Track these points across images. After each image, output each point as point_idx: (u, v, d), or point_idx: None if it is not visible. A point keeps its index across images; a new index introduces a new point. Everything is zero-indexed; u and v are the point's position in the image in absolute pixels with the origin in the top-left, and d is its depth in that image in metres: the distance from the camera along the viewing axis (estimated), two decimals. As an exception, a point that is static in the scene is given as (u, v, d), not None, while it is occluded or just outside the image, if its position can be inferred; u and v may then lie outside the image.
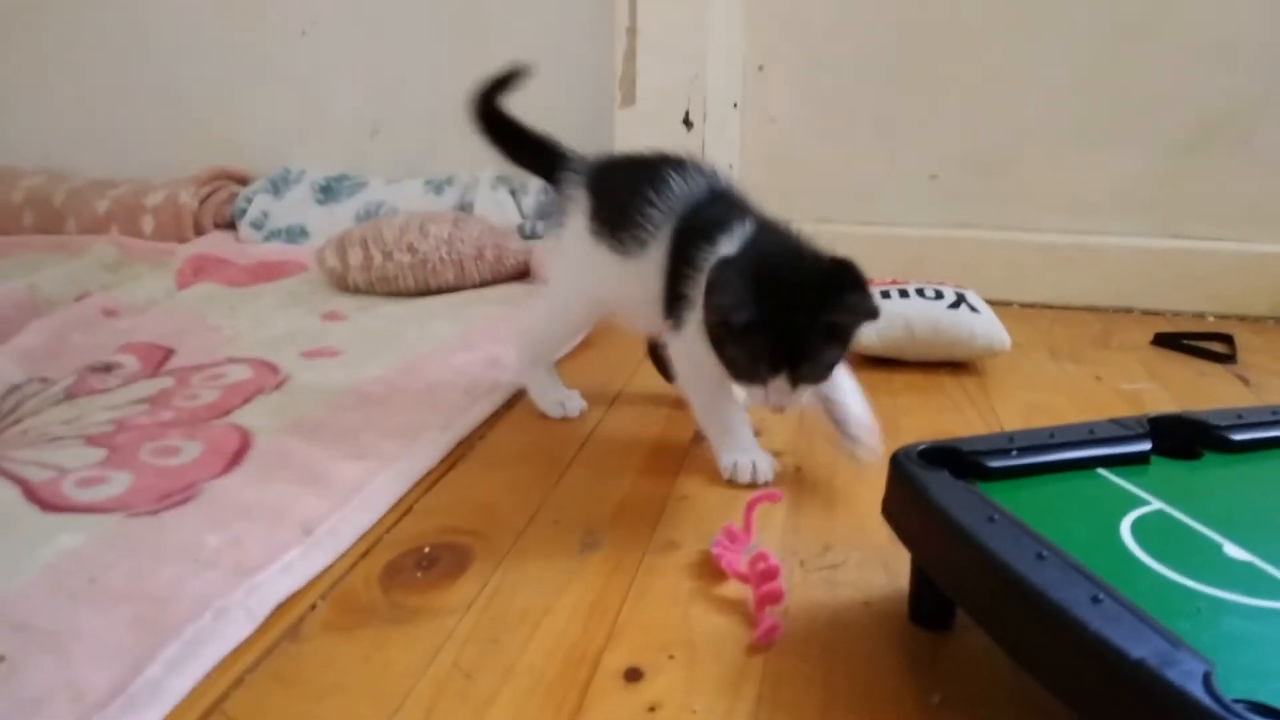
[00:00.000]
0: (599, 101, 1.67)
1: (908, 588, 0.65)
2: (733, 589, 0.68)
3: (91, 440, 0.91)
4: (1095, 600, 0.46)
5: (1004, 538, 0.52)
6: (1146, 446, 0.66)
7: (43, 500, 0.79)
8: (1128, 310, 1.49)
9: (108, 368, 1.12)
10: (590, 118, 1.75)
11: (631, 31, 1.46)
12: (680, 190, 0.85)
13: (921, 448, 0.63)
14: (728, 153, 1.53)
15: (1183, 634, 0.43)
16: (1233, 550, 0.55)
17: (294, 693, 0.57)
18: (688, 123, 1.48)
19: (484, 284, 1.51)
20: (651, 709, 0.56)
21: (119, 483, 0.82)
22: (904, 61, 1.51)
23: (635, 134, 1.49)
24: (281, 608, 0.65)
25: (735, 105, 1.53)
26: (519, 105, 1.84)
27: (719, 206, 0.83)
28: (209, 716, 0.55)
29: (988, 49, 1.48)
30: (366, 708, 0.56)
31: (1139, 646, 0.42)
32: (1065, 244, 1.49)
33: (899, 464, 0.62)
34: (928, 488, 0.58)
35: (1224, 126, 1.45)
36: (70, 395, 1.04)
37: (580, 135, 1.75)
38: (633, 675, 0.59)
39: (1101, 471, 0.64)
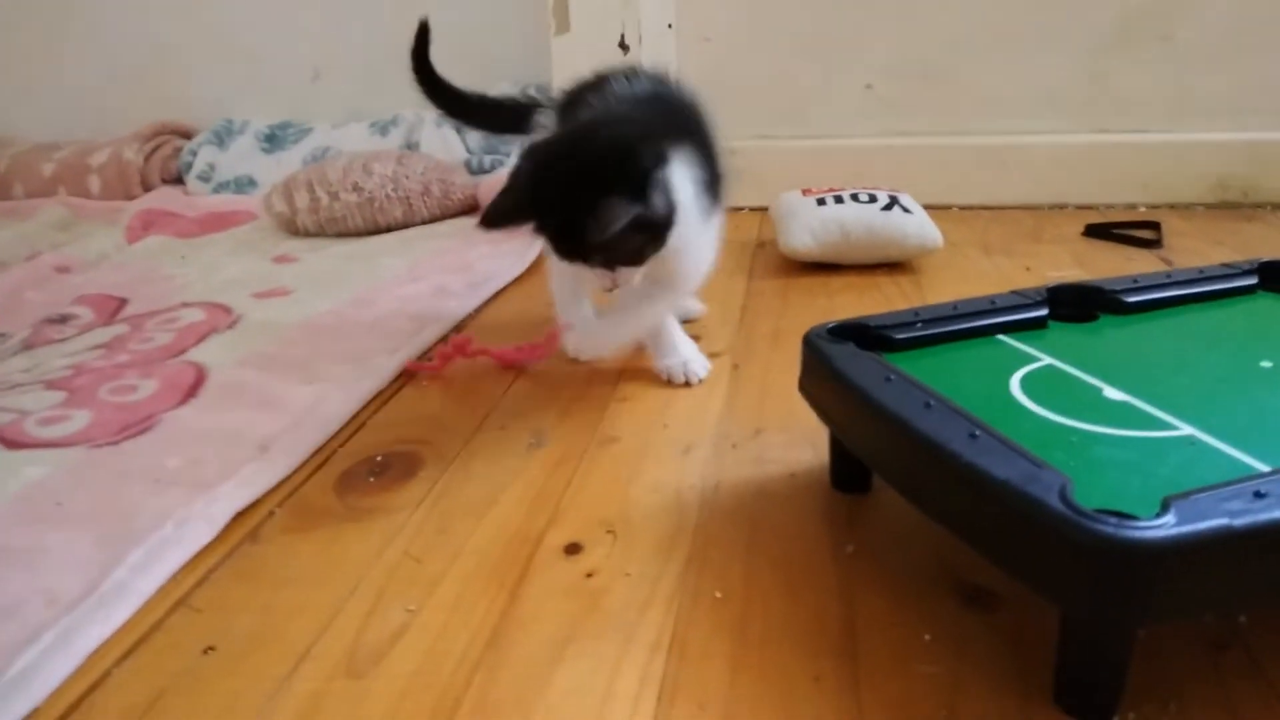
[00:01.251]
0: (535, 31, 1.68)
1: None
2: (669, 474, 0.73)
3: (51, 384, 0.94)
4: (972, 436, 0.50)
5: (896, 393, 0.56)
6: (1044, 312, 0.71)
7: (6, 440, 0.82)
8: (1062, 207, 1.54)
9: (63, 319, 1.14)
10: (527, 48, 1.76)
11: (562, -44, 1.45)
12: (617, 93, 0.83)
13: (830, 325, 0.67)
14: (665, 74, 1.54)
15: (1057, 463, 0.47)
16: (1111, 393, 0.60)
17: (255, 585, 0.61)
18: (624, 46, 1.49)
19: (432, 220, 1.52)
20: (589, 575, 0.60)
21: (79, 420, 0.85)
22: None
23: (572, 61, 1.49)
24: (240, 516, 0.69)
25: (670, 26, 1.54)
26: (456, 43, 1.86)
27: (638, 106, 0.83)
28: (176, 609, 0.59)
29: (916, -44, 1.49)
30: (323, 593, 0.60)
31: (1005, 470, 0.47)
32: (999, 145, 1.53)
33: (810, 342, 0.66)
34: (832, 358, 0.62)
35: (1146, 22, 1.48)
36: (27, 346, 1.06)
37: (518, 66, 1.78)
38: (572, 549, 0.63)
39: (1001, 337, 0.69)
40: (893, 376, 0.58)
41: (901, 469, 0.56)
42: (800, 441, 0.76)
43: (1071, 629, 0.46)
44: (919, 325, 0.68)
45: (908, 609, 0.55)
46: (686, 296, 0.96)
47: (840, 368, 0.61)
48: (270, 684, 0.52)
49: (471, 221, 1.51)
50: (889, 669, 0.51)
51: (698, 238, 0.81)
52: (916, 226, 1.19)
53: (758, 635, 0.54)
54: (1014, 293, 0.72)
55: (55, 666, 0.53)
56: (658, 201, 0.73)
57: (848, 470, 0.68)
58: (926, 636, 0.53)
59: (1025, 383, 0.61)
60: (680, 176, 0.76)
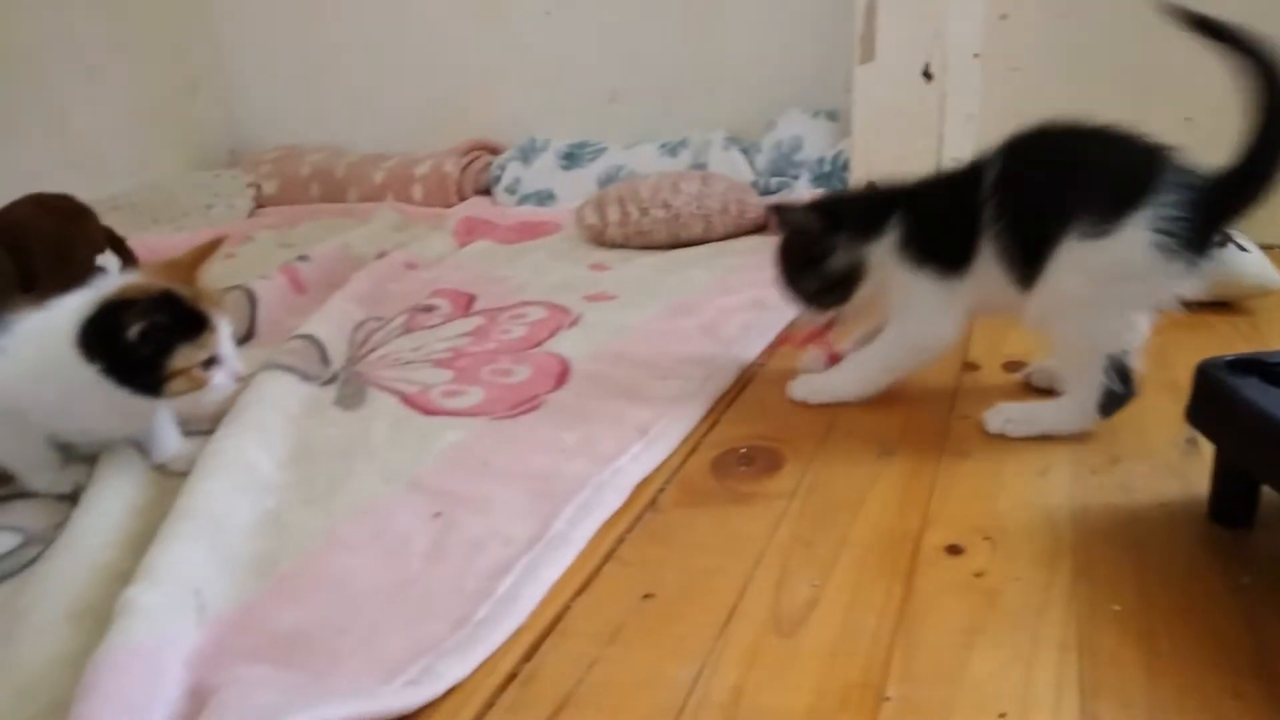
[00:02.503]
0: (834, 59, 1.74)
1: (1206, 491, 0.70)
2: (1032, 492, 0.76)
3: (438, 363, 1.09)
4: None
5: None
6: None
7: (420, 406, 0.97)
8: None
9: (429, 309, 1.31)
10: (826, 76, 1.82)
11: (873, -11, 1.51)
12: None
13: (1228, 359, 0.67)
14: (968, 104, 1.56)
15: None
16: None
17: (668, 547, 0.70)
18: (927, 75, 1.52)
19: (727, 237, 1.61)
20: (977, 575, 0.65)
21: (474, 395, 0.99)
22: (1150, 6, 1.48)
23: (875, 89, 1.55)
24: (637, 488, 0.79)
25: (976, 56, 1.55)
26: (757, 68, 1.94)
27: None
28: (608, 561, 0.69)
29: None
30: (731, 560, 0.68)
31: None
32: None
33: (1207, 374, 0.67)
34: (1240, 390, 0.63)
35: None
36: (407, 330, 1.23)
37: (810, 93, 1.84)
38: (954, 550, 0.68)
39: None
40: (1314, 413, 0.59)
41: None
42: (1164, 473, 0.77)
43: None
44: (1320, 361, 0.67)
45: (1325, 644, 0.56)
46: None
47: (1252, 399, 0.62)
48: (710, 631, 0.60)
49: (763, 241, 1.59)
50: (1318, 698, 0.52)
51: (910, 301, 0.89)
52: (1256, 266, 1.14)
53: (1166, 648, 0.56)
54: None
55: (529, 593, 0.64)
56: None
57: (1232, 503, 0.68)
58: (1352, 673, 0.53)
59: None
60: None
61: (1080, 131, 0.84)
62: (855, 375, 0.94)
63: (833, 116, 1.81)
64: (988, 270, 0.85)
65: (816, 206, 0.94)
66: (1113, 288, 0.79)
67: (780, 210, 0.97)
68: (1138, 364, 0.84)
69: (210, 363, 0.80)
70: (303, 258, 1.46)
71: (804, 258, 0.92)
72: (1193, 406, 0.68)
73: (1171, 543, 0.67)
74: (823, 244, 0.90)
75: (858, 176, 1.62)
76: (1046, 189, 0.81)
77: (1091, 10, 1.52)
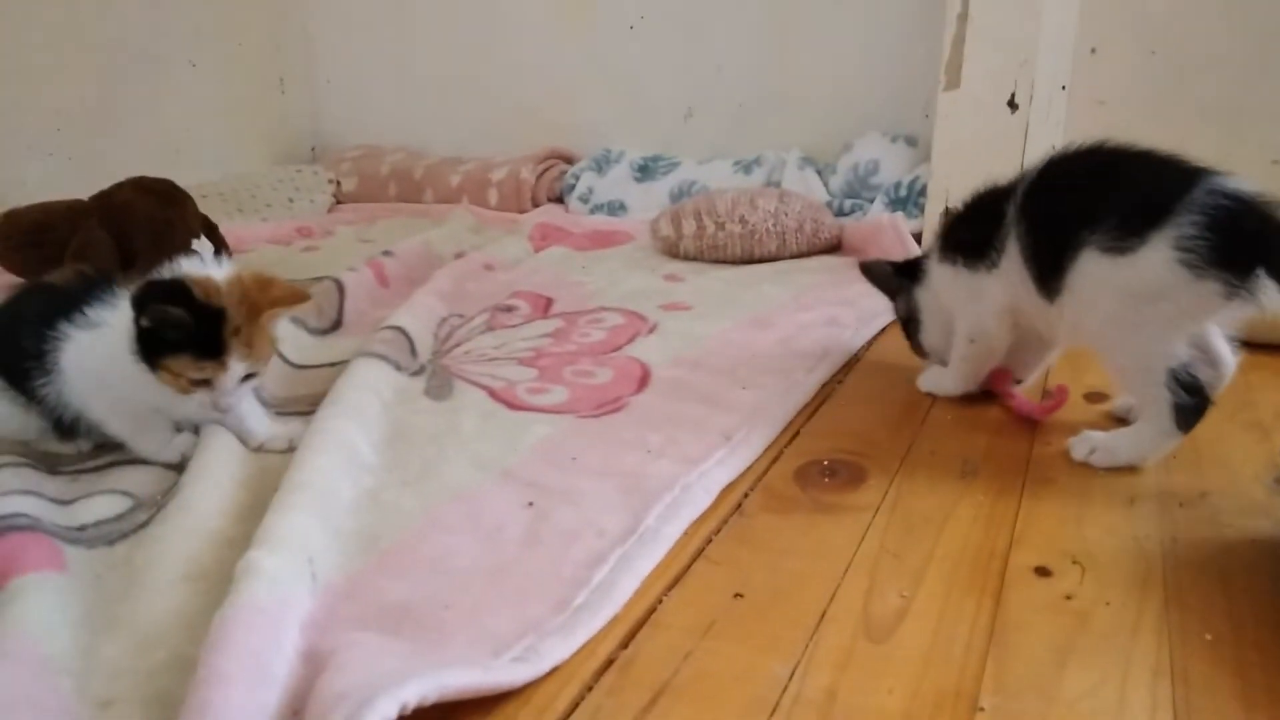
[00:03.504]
0: (914, 84, 1.75)
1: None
2: (1120, 521, 0.76)
3: (522, 362, 1.12)
4: None
5: None
6: None
7: (507, 401, 1.00)
8: None
9: (509, 309, 1.35)
10: (906, 100, 1.83)
11: (963, 18, 1.52)
12: None
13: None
14: (1052, 135, 1.55)
15: None
16: None
17: (756, 550, 0.72)
18: (1013, 105, 1.52)
19: (800, 255, 1.63)
20: (1067, 597, 0.65)
21: (558, 394, 1.02)
22: (1244, 47, 1.47)
23: (958, 116, 1.56)
24: (723, 492, 0.80)
25: (1063, 88, 1.55)
26: (835, 90, 1.96)
27: None
28: (697, 559, 0.71)
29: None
30: (821, 566, 0.69)
31: None
32: None
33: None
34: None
35: None
36: (490, 328, 1.26)
37: (887, 118, 1.85)
38: (1042, 572, 0.69)
39: None
40: None
41: None
42: (1253, 510, 0.77)
43: None
44: None
45: None
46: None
47: None
48: (802, 632, 0.61)
49: (838, 260, 1.60)
50: None
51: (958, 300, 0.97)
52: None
53: (1260, 679, 0.57)
54: None
55: (624, 584, 0.66)
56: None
57: None
58: None
59: None
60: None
61: (1121, 150, 0.85)
62: (950, 371, 1.01)
63: (911, 141, 1.82)
64: (1014, 267, 0.89)
65: (897, 263, 1.09)
66: (1143, 306, 0.79)
67: (863, 264, 1.11)
68: (1206, 374, 0.82)
69: (205, 383, 0.83)
70: (387, 253, 1.50)
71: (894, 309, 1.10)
72: (1291, 444, 0.69)
73: (1261, 573, 0.67)
74: (892, 289, 1.09)
75: (935, 202, 1.63)
76: (1070, 194, 0.84)
77: (1182, 48, 1.51)
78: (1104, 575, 0.68)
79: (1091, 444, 0.86)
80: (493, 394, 1.02)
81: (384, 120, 2.48)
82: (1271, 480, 0.82)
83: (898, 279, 1.07)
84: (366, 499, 0.79)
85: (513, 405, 0.99)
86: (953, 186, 1.59)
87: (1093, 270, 0.81)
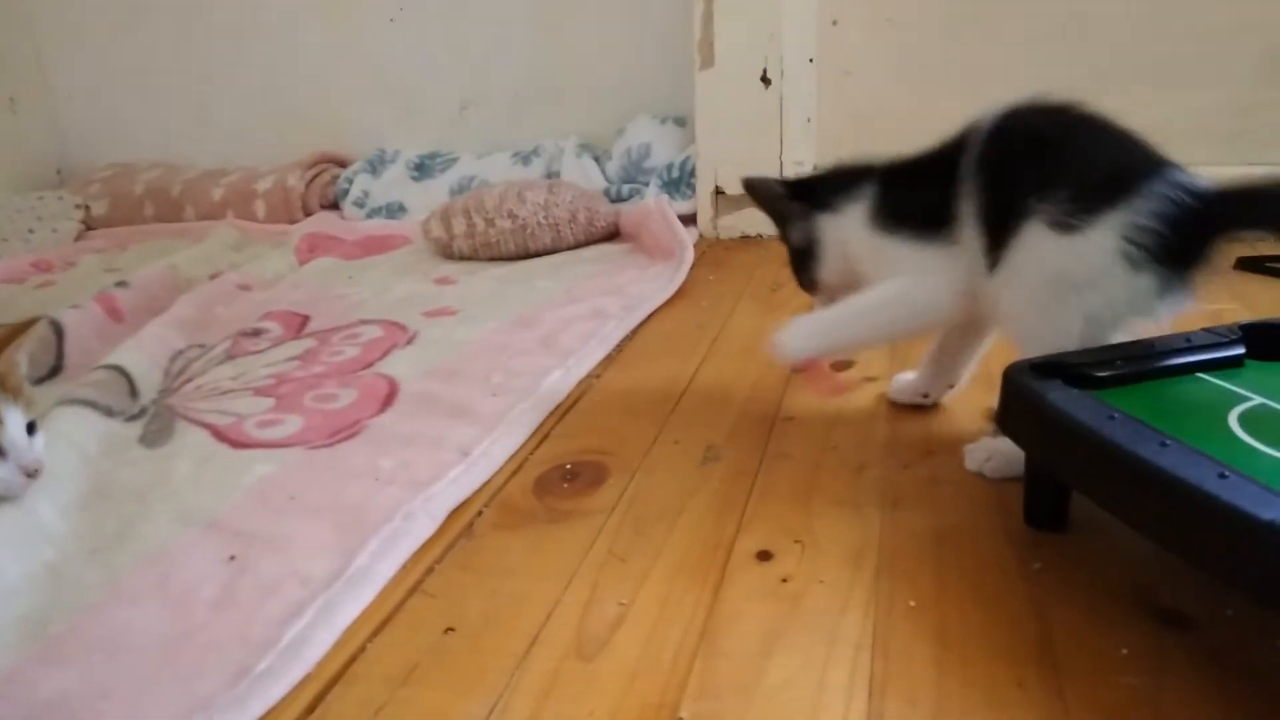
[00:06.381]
0: (680, 65, 1.75)
1: (1012, 490, 0.71)
2: (846, 490, 0.76)
3: (259, 391, 1.04)
4: (1221, 476, 0.51)
5: (1127, 432, 0.57)
6: (1240, 350, 0.71)
7: (231, 439, 0.91)
8: (1209, 239, 1.51)
9: (256, 332, 1.25)
10: (674, 82, 1.83)
11: (707, -5, 1.52)
12: None
13: (1032, 362, 0.68)
14: (805, 108, 1.59)
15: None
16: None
17: (478, 575, 0.68)
18: (765, 80, 1.55)
19: (577, 245, 1.60)
20: (784, 580, 0.65)
21: (292, 424, 0.94)
22: (974, 10, 1.55)
23: (716, 94, 1.56)
24: (454, 514, 0.76)
25: (811, 60, 1.59)
26: (605, 75, 1.93)
27: None
28: (412, 594, 0.66)
29: (1058, -10, 1.51)
30: (542, 584, 0.66)
31: (1269, 510, 0.48)
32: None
33: (1012, 379, 0.67)
34: (1045, 395, 0.64)
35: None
36: (230, 356, 1.17)
37: (662, 100, 1.85)
38: (764, 556, 0.68)
39: (1201, 375, 0.69)
40: (1116, 415, 0.59)
41: (1141, 507, 0.56)
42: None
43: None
44: (1119, 363, 0.68)
45: (1102, 625, 0.58)
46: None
47: (1057, 405, 0.62)
48: (510, 661, 0.58)
49: (615, 248, 1.58)
50: (1090, 678, 0.53)
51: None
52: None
53: (956, 641, 0.57)
54: (1207, 330, 0.73)
55: (319, 638, 0.60)
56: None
57: (1045, 508, 0.69)
58: (1124, 651, 0.55)
59: (1244, 422, 0.61)
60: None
61: (1088, 118, 0.77)
62: (826, 326, 0.87)
63: (680, 122, 1.82)
64: (972, 234, 0.77)
65: (788, 181, 0.94)
66: (1069, 294, 0.71)
67: (747, 181, 0.94)
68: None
69: None
70: (121, 284, 1.36)
71: (779, 231, 0.93)
72: (1001, 410, 0.69)
73: (974, 534, 0.69)
74: (782, 212, 0.91)
75: (704, 182, 1.63)
76: (1029, 154, 0.74)
77: (916, 15, 1.58)
78: (822, 551, 0.68)
79: (988, 452, 0.78)
80: (216, 433, 0.93)
81: (135, 134, 2.28)
82: (991, 432, 0.84)
83: (793, 202, 0.90)
84: (43, 575, 0.70)
85: (237, 443, 0.90)
86: (720, 165, 1.61)
87: (1033, 244, 0.72)
